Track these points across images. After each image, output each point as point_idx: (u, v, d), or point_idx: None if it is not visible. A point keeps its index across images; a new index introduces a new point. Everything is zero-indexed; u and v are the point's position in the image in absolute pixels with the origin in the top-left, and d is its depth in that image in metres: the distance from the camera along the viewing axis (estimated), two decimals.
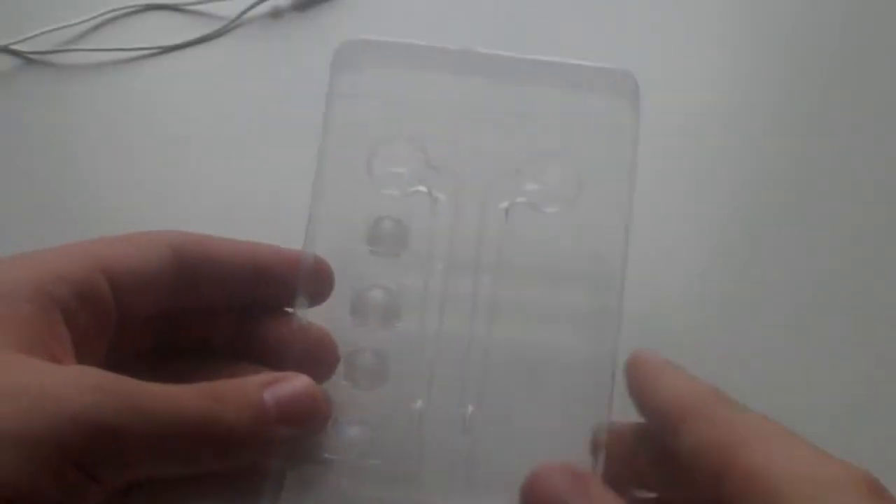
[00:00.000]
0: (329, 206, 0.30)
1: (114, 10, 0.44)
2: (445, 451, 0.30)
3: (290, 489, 0.29)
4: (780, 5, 0.42)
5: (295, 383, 0.27)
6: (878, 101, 0.40)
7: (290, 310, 0.30)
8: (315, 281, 0.30)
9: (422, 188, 0.31)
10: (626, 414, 0.28)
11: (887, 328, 0.36)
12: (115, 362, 0.26)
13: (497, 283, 0.31)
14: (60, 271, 0.27)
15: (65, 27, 0.43)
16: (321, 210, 0.30)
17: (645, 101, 0.40)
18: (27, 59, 0.43)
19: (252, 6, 0.43)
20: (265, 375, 0.27)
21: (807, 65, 0.41)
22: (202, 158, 0.40)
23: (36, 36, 0.42)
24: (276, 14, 0.44)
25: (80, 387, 0.24)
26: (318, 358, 0.30)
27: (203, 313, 0.31)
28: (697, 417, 0.25)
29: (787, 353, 0.35)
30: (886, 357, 0.35)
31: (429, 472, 0.29)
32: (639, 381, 0.28)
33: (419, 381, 0.30)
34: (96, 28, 0.43)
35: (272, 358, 0.30)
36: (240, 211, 0.38)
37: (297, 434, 0.27)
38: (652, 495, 0.28)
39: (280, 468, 0.28)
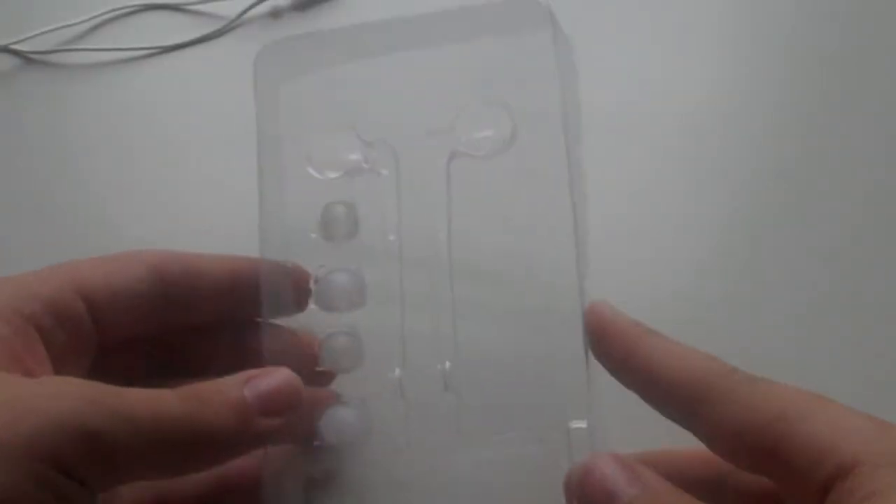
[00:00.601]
0: (277, 204, 0.31)
1: (114, 10, 0.44)
2: (430, 411, 0.30)
3: (288, 479, 0.29)
4: (780, 5, 0.42)
5: (275, 376, 0.27)
6: (879, 101, 0.40)
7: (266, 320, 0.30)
8: (298, 288, 0.30)
9: (364, 165, 0.31)
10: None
11: (887, 328, 0.36)
12: None
13: (451, 239, 0.31)
14: (33, 290, 0.27)
15: (65, 27, 0.43)
16: (269, 207, 0.30)
17: (645, 101, 0.40)
18: (27, 59, 0.43)
19: (252, 6, 0.43)
20: (245, 373, 0.27)
21: (807, 65, 0.41)
22: (202, 158, 0.40)
23: (36, 36, 0.43)
24: (276, 14, 0.44)
25: (59, 394, 0.24)
26: (310, 365, 0.30)
27: (191, 335, 0.31)
28: (717, 397, 0.25)
29: (787, 352, 0.35)
30: (886, 357, 0.35)
31: (417, 436, 0.30)
32: (616, 350, 0.27)
33: (394, 351, 0.30)
34: (96, 28, 0.43)
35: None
36: (239, 210, 0.38)
37: (281, 425, 0.27)
38: None
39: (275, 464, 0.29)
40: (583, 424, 0.28)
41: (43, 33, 0.43)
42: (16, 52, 0.43)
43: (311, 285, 0.31)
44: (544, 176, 0.29)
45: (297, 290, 0.30)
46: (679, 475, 0.28)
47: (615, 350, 0.27)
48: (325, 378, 0.31)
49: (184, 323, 0.30)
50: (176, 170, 0.40)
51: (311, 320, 0.30)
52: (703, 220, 0.38)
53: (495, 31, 0.31)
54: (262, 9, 0.43)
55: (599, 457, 0.25)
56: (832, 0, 0.42)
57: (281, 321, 0.31)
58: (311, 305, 0.31)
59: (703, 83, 0.41)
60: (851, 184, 0.38)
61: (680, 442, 0.27)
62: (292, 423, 0.27)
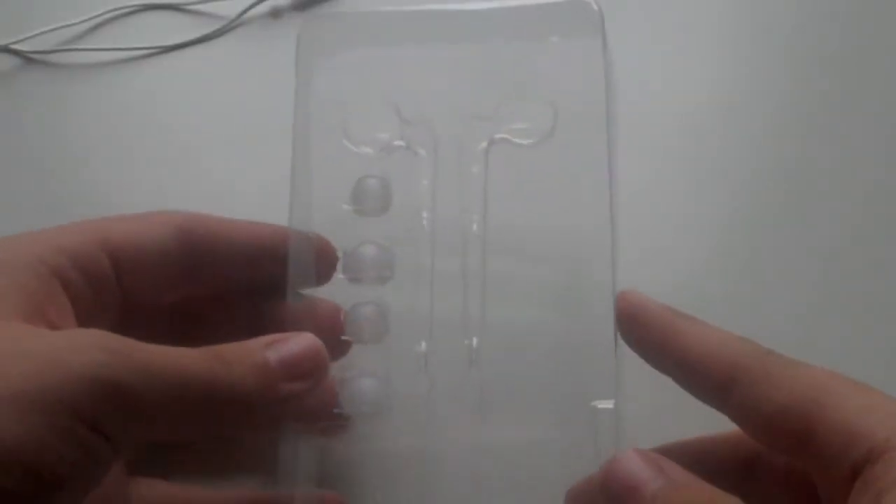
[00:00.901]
0: (310, 173, 0.30)
1: (114, 10, 0.44)
2: (454, 387, 0.30)
3: (306, 449, 0.29)
4: (780, 5, 0.42)
5: (298, 340, 0.27)
6: (879, 101, 0.40)
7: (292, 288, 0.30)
8: (322, 261, 0.30)
9: (400, 143, 0.31)
10: None
11: (887, 328, 0.36)
12: None
13: (485, 220, 0.31)
14: (59, 243, 0.27)
15: (65, 27, 0.43)
16: (303, 178, 0.30)
17: (645, 101, 0.40)
18: (27, 59, 0.43)
19: (252, 6, 0.43)
20: (268, 336, 0.27)
21: (807, 64, 0.41)
22: (202, 158, 0.40)
23: (36, 36, 0.43)
24: (276, 14, 0.44)
25: (82, 346, 0.23)
26: (332, 334, 0.30)
27: (212, 303, 0.31)
28: (752, 379, 0.25)
29: (787, 352, 0.35)
30: (886, 357, 0.35)
31: (439, 412, 0.30)
32: (650, 334, 0.27)
33: (421, 325, 0.30)
34: (96, 28, 0.43)
35: None
36: (240, 210, 0.38)
37: (303, 391, 0.27)
38: None
39: (293, 432, 0.28)
40: (609, 405, 0.28)
41: (43, 33, 0.43)
42: (16, 52, 0.43)
43: (340, 256, 0.30)
44: (583, 169, 0.30)
45: (322, 261, 0.30)
46: (709, 460, 0.28)
47: (648, 334, 0.27)
48: (346, 347, 0.30)
49: (207, 288, 0.30)
50: (176, 170, 0.40)
51: (338, 291, 0.30)
52: (703, 220, 0.38)
53: (545, 31, 0.31)
54: (262, 9, 0.43)
55: (622, 453, 0.25)
56: (832, 0, 0.42)
57: (305, 291, 0.30)
58: (339, 276, 0.30)
59: (703, 83, 0.41)
60: (851, 184, 0.38)
61: (707, 424, 0.28)
62: (313, 391, 0.27)
